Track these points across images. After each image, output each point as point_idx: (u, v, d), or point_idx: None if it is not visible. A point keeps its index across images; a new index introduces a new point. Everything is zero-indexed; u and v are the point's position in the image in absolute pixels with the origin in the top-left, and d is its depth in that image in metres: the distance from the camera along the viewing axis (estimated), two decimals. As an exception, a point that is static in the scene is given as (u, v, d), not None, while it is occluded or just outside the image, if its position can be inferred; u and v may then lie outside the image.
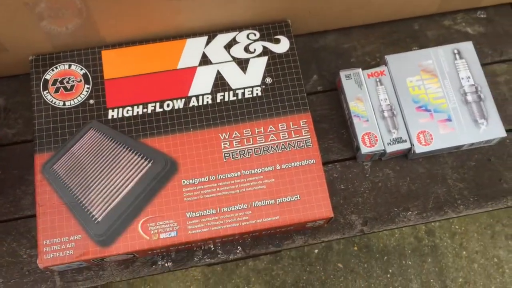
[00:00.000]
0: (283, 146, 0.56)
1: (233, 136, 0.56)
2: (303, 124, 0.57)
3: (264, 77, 0.59)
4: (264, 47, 0.60)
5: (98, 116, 0.56)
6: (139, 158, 0.54)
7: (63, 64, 0.59)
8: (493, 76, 0.65)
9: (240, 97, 0.58)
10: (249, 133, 0.56)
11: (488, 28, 0.68)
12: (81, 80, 0.58)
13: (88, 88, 0.58)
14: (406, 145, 0.57)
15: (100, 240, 0.51)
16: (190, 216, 0.52)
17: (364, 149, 0.57)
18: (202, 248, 0.56)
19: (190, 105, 0.57)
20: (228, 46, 0.60)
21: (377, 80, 0.60)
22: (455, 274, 1.13)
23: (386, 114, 0.59)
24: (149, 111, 0.57)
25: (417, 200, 0.59)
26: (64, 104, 0.57)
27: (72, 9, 0.54)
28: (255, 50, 0.60)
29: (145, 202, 0.53)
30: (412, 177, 0.60)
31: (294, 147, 0.55)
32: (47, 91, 0.57)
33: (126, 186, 0.53)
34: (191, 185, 0.53)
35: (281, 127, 0.56)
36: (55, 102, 0.57)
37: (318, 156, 0.55)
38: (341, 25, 0.67)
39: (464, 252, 1.15)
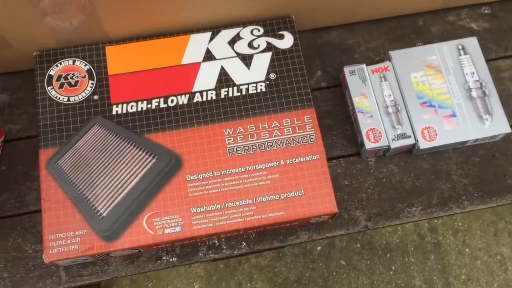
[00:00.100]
0: (287, 142, 0.56)
1: (237, 132, 0.56)
2: (307, 119, 0.57)
3: (268, 73, 0.59)
4: (268, 43, 0.60)
5: (103, 111, 0.56)
6: (144, 154, 0.54)
7: (67, 60, 0.59)
8: (498, 72, 0.65)
9: (244, 92, 0.58)
10: (253, 128, 0.56)
11: (492, 24, 0.68)
12: (85, 76, 0.58)
13: (92, 83, 0.58)
14: (411, 141, 0.57)
15: (105, 235, 0.51)
16: (195, 211, 0.52)
17: (369, 145, 0.57)
18: (207, 243, 0.56)
19: (194, 100, 0.57)
20: (232, 42, 0.60)
21: (381, 75, 0.60)
22: (458, 271, 1.13)
23: (390, 110, 0.58)
24: (153, 107, 0.57)
25: (422, 196, 0.59)
26: (68, 100, 0.57)
27: (76, 5, 0.54)
28: (259, 45, 0.60)
29: (150, 197, 0.53)
30: (416, 173, 0.60)
31: (298, 142, 0.55)
32: (51, 86, 0.57)
33: (131, 182, 0.53)
34: (196, 180, 0.54)
35: (285, 123, 0.56)
36: (59, 98, 0.57)
37: (323, 151, 0.55)
38: (345, 21, 0.67)
39: (467, 249, 1.15)
